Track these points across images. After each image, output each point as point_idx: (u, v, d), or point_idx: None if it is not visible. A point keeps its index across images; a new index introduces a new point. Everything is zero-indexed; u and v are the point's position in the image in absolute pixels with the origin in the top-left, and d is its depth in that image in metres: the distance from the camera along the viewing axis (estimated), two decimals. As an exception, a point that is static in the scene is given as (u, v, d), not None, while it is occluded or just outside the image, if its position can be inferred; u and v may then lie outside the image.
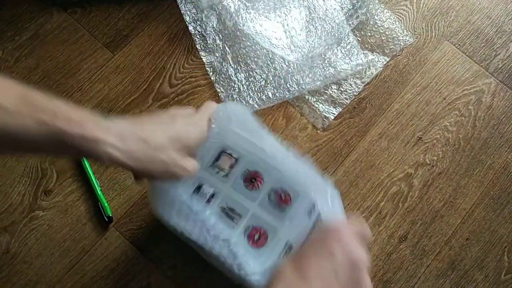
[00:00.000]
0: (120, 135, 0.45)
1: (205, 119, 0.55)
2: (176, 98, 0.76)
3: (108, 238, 0.69)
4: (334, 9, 0.82)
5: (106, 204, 0.69)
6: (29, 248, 0.68)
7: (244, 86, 0.76)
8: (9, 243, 0.68)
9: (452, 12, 0.84)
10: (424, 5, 0.84)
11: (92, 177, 0.70)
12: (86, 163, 0.71)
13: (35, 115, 0.41)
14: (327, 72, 0.78)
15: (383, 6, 0.83)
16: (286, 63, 0.77)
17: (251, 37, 0.77)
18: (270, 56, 0.77)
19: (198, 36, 0.79)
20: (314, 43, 0.79)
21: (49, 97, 0.43)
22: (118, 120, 0.47)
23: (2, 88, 0.41)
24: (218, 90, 0.76)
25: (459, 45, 0.82)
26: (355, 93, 0.78)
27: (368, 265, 0.45)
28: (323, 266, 0.44)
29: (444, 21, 0.84)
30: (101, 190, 0.70)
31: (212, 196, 0.58)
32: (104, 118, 0.45)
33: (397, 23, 0.82)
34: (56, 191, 0.71)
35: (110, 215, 0.69)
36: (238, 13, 0.78)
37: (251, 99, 0.76)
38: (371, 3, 0.82)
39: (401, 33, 0.82)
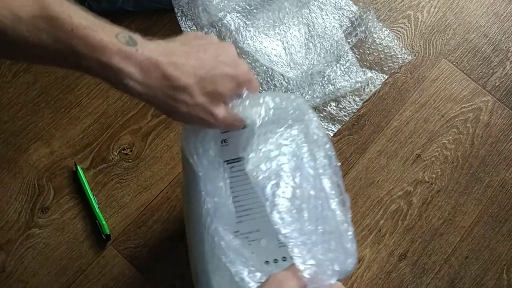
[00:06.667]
0: (141, 65, 0.40)
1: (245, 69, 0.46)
2: (175, 115, 0.76)
3: (106, 257, 0.68)
4: (333, 26, 0.82)
5: (104, 222, 0.68)
6: (25, 267, 0.67)
7: (244, 103, 0.76)
8: (5, 262, 0.67)
9: (450, 30, 0.85)
10: (422, 23, 0.85)
11: (90, 194, 0.70)
12: (84, 180, 0.70)
13: (52, 31, 0.37)
14: (327, 89, 0.78)
15: (381, 24, 0.84)
16: (286, 80, 0.78)
17: (251, 54, 0.77)
18: (270, 73, 0.77)
19: (197, 53, 0.79)
20: (314, 60, 0.79)
21: (73, 9, 0.38)
22: (143, 45, 0.40)
23: None
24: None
25: (457, 63, 0.83)
26: (354, 110, 0.78)
27: None
28: None
29: (442, 39, 0.84)
30: (99, 207, 0.69)
31: None
32: (129, 40, 0.40)
33: (395, 41, 0.83)
34: (53, 209, 0.70)
35: (108, 233, 0.68)
36: (238, 31, 0.78)
37: (250, 116, 0.76)
38: (369, 21, 0.82)
39: (399, 51, 0.82)
